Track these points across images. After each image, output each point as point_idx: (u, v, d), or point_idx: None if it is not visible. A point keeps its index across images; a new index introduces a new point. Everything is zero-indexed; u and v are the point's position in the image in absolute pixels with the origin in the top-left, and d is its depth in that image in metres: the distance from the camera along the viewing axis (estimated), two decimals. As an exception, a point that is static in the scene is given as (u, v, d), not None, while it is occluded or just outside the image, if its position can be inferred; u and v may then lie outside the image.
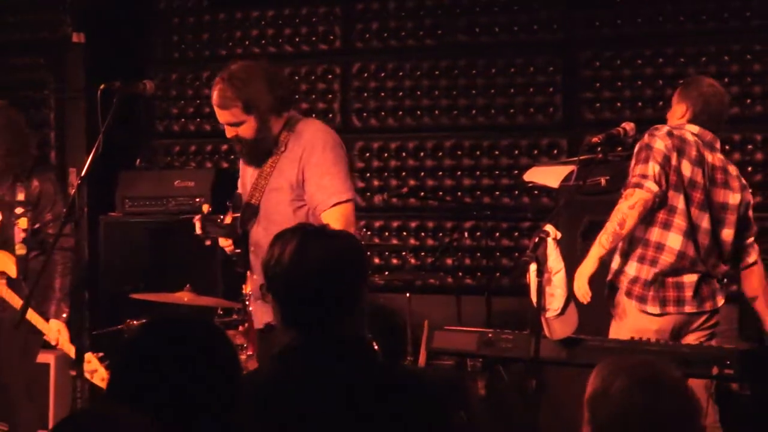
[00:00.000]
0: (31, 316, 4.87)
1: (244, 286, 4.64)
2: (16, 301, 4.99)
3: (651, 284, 4.69)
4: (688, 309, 4.71)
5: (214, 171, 7.26)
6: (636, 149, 4.73)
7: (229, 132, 4.42)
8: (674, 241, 4.69)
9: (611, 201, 4.76)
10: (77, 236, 4.38)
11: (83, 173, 4.37)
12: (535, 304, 3.98)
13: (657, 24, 6.81)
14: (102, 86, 4.43)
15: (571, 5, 7.02)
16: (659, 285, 4.69)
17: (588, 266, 4.60)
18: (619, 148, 5.23)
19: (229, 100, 4.35)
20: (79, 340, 4.49)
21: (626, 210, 4.51)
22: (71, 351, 4.98)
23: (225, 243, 4.53)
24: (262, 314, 4.47)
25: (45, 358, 6.08)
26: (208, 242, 4.50)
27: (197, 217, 4.43)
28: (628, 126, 4.63)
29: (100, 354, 4.79)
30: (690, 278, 4.72)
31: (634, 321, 4.69)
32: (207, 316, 5.43)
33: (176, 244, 6.57)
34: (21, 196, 5.36)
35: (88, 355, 4.72)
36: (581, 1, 7.01)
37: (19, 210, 5.34)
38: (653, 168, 4.59)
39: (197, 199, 6.68)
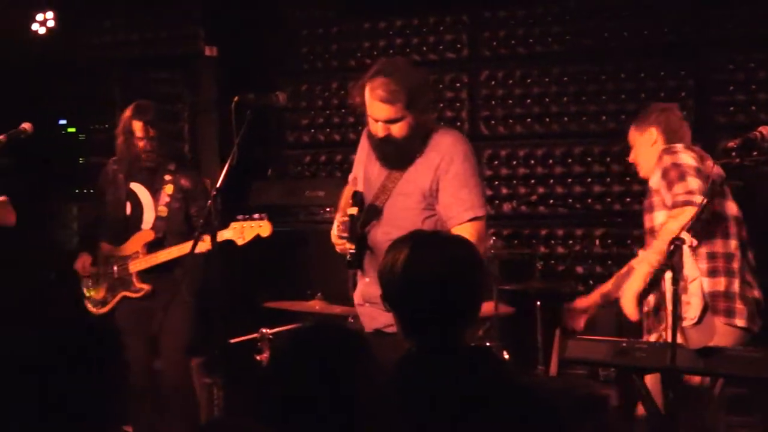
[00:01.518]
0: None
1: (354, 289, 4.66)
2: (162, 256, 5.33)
3: (733, 296, 4.57)
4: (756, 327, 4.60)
5: (344, 180, 7.31)
6: (661, 173, 4.62)
7: (383, 130, 4.32)
8: (738, 248, 4.60)
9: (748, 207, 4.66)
10: (214, 245, 4.45)
11: (218, 184, 4.45)
12: (670, 313, 3.90)
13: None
14: (236, 98, 4.50)
15: (701, 5, 6.88)
16: (742, 298, 4.58)
17: (635, 284, 4.51)
18: (755, 153, 5.10)
19: (396, 94, 4.26)
20: (214, 349, 4.56)
21: (676, 229, 4.33)
22: None
23: (338, 241, 4.46)
24: (371, 319, 4.44)
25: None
26: (352, 247, 4.42)
27: (343, 219, 4.45)
28: (765, 130, 4.50)
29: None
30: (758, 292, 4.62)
31: (724, 337, 4.47)
32: (339, 323, 5.48)
33: (307, 252, 6.65)
34: (169, 186, 5.84)
35: None
36: (711, 1, 6.86)
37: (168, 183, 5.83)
38: (694, 182, 4.45)
39: (327, 209, 6.76)
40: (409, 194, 4.38)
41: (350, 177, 4.82)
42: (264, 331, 5.91)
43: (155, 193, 5.87)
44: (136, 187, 5.91)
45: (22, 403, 2.40)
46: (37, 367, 2.52)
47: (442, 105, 7.48)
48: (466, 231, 4.23)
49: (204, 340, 5.87)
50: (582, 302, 5.14)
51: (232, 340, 6.30)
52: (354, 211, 4.41)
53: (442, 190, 4.31)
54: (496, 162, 7.36)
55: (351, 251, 4.40)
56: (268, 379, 2.23)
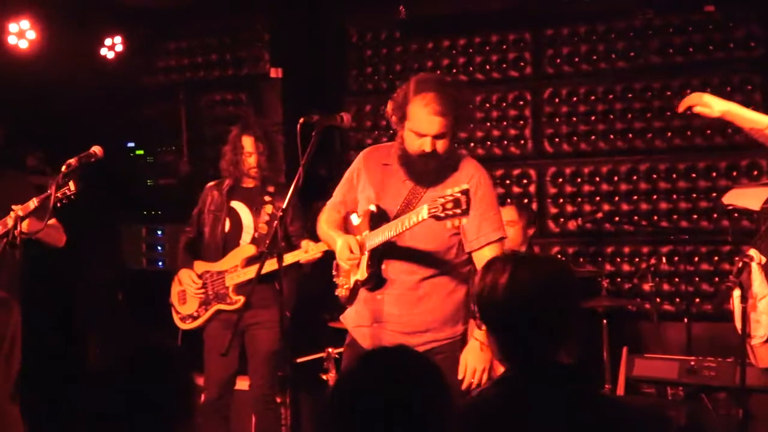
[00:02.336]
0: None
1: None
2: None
3: None
4: None
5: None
6: None
7: (432, 145, 4.32)
8: None
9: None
10: (280, 265, 4.50)
11: (285, 204, 4.49)
12: (739, 331, 3.86)
13: None
14: (301, 119, 4.53)
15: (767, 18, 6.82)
16: None
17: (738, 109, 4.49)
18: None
19: (449, 108, 4.29)
20: (283, 368, 4.59)
21: None
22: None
23: (351, 258, 4.45)
24: (377, 340, 4.47)
25: (245, 384, 6.17)
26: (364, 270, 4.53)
27: (359, 239, 4.49)
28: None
29: None
30: None
31: None
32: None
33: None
34: (268, 206, 5.94)
35: None
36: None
37: (268, 203, 5.94)
38: None
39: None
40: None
41: (333, 202, 4.80)
42: (330, 350, 5.94)
43: (256, 211, 5.95)
44: (237, 206, 6.00)
45: (86, 413, 2.47)
46: (108, 380, 2.57)
47: (505, 123, 7.48)
48: (495, 250, 4.36)
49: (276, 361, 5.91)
50: None
51: (299, 360, 6.35)
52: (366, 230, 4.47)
53: (471, 210, 4.20)
54: (560, 179, 7.34)
55: (367, 272, 4.44)
56: (336, 399, 2.25)
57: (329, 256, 5.31)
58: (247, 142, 5.97)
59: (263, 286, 5.54)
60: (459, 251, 4.50)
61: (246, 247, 5.93)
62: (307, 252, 5.62)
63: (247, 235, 5.97)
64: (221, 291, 5.95)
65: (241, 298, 5.86)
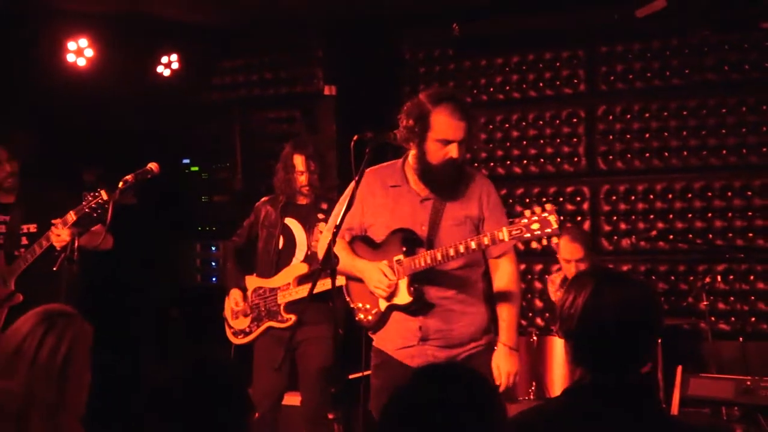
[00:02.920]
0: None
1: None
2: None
3: None
4: None
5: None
6: None
7: (459, 152, 4.40)
8: None
9: None
10: (334, 282, 4.51)
11: (338, 222, 4.50)
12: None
13: None
14: (355, 137, 4.55)
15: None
16: None
17: None
18: None
19: (469, 116, 4.44)
20: (335, 384, 4.61)
21: None
22: None
23: (387, 284, 4.49)
24: (425, 357, 4.50)
25: (293, 400, 6.20)
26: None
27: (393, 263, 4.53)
28: None
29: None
30: None
31: None
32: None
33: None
34: (322, 224, 5.86)
35: None
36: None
37: (321, 221, 5.91)
38: None
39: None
40: (462, 222, 4.51)
41: (341, 232, 4.66)
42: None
43: (309, 229, 5.98)
44: (291, 223, 6.04)
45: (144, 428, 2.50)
46: (167, 396, 2.60)
47: (558, 141, 7.46)
48: (513, 257, 4.60)
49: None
50: None
51: (351, 376, 6.35)
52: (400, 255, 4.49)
53: (487, 219, 4.49)
54: (614, 197, 7.30)
55: (411, 296, 4.47)
56: (387, 416, 2.26)
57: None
58: (299, 161, 6.00)
59: (315, 303, 5.56)
60: (481, 261, 4.62)
61: (298, 266, 5.96)
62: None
63: (300, 253, 6.00)
64: (273, 308, 5.98)
65: (293, 317, 5.89)
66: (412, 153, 4.54)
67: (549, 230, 4.04)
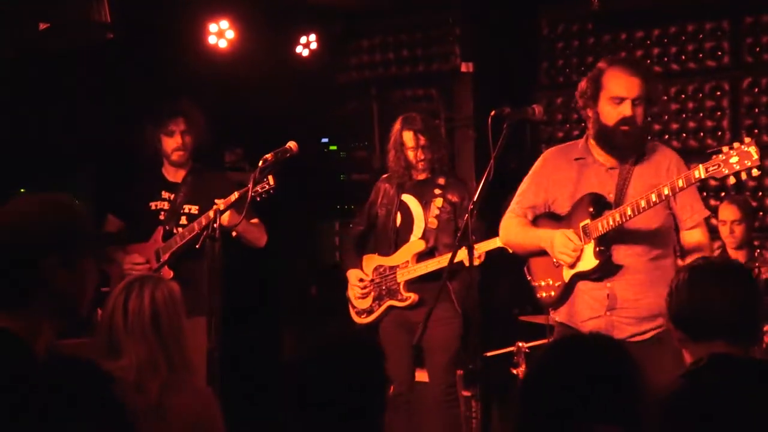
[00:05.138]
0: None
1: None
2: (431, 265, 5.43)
3: None
4: None
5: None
6: None
7: (632, 109, 4.34)
8: None
9: None
10: (471, 258, 4.49)
11: (475, 198, 4.48)
12: None
13: None
14: (492, 113, 4.53)
15: None
16: None
17: None
18: None
19: (645, 71, 4.39)
20: (473, 362, 4.60)
21: None
22: None
23: (573, 250, 4.42)
24: (614, 329, 4.37)
25: (421, 376, 6.21)
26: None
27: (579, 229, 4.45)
28: None
29: None
30: None
31: None
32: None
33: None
34: (438, 199, 5.95)
35: None
36: None
37: (437, 197, 5.94)
38: None
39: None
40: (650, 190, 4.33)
41: (519, 207, 4.72)
42: (520, 344, 5.91)
43: (425, 204, 5.99)
44: (408, 199, 6.07)
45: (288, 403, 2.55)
46: (303, 373, 2.65)
47: (701, 115, 7.27)
48: (703, 231, 4.50)
49: (463, 353, 5.92)
50: None
51: (488, 353, 6.34)
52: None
53: (680, 191, 4.26)
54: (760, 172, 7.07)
55: (597, 260, 4.35)
56: (530, 391, 2.25)
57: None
58: (408, 137, 6.01)
59: (436, 282, 5.57)
60: (671, 235, 4.51)
61: (416, 242, 5.96)
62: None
63: (418, 229, 6.00)
64: (393, 287, 6.00)
65: (413, 296, 5.90)
66: (590, 122, 4.49)
67: (749, 162, 3.89)
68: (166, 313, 3.42)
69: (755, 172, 3.98)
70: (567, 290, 4.50)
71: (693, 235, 4.48)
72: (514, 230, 4.72)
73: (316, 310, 7.88)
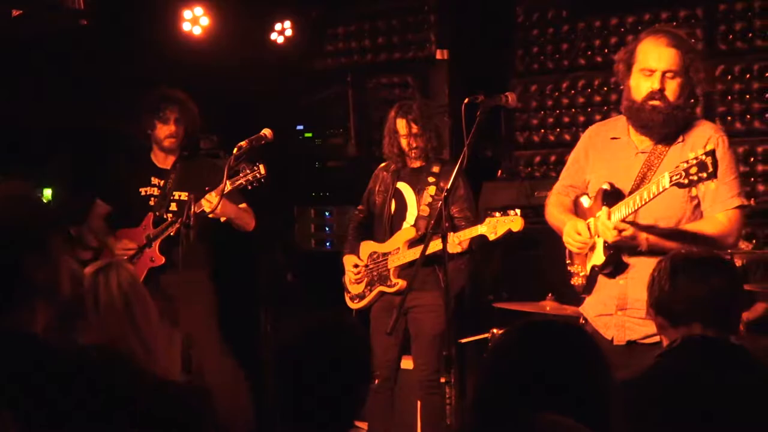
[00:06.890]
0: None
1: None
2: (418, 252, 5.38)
3: None
4: None
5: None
6: None
7: (661, 83, 4.05)
8: None
9: None
10: (445, 246, 4.50)
11: (448, 185, 4.50)
12: None
13: None
14: (466, 100, 4.53)
15: None
16: None
17: None
18: None
19: (683, 43, 4.10)
20: (447, 348, 4.61)
21: None
22: None
23: (584, 242, 4.27)
24: (624, 330, 4.22)
25: (407, 364, 6.23)
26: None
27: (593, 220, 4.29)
28: None
29: None
30: None
31: None
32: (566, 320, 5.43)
33: (538, 253, 6.61)
34: (431, 187, 5.96)
35: None
36: None
37: (431, 185, 5.95)
38: None
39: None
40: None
41: (560, 185, 4.60)
42: (495, 331, 5.93)
43: (419, 192, 6.00)
44: (402, 186, 6.09)
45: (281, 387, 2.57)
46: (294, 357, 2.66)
47: (748, 97, 7.07)
48: (732, 217, 4.12)
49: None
50: None
51: (463, 340, 6.37)
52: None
53: None
54: (752, 159, 7.00)
55: (605, 255, 4.19)
56: (487, 376, 2.24)
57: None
58: (401, 125, 6.03)
59: (425, 269, 5.58)
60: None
61: (407, 230, 5.98)
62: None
63: (411, 217, 6.02)
64: (384, 273, 6.03)
65: (401, 282, 5.92)
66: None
67: (705, 174, 3.67)
68: (136, 298, 3.42)
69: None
70: (590, 281, 4.35)
71: (709, 220, 4.16)
72: (549, 209, 4.60)
73: (292, 296, 7.87)
